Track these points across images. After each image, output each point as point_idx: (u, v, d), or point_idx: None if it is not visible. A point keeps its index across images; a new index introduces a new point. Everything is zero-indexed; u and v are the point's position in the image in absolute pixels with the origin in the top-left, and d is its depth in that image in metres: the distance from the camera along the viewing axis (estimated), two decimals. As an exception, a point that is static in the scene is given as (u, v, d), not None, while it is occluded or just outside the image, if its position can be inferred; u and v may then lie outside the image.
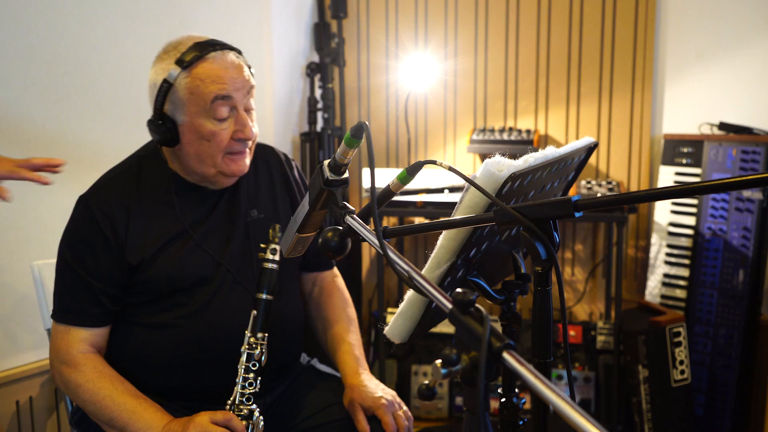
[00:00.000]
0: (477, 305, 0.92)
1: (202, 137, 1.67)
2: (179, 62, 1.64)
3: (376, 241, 1.10)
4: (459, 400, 3.23)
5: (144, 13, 2.69)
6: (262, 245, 1.70)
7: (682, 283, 3.05)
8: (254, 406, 1.66)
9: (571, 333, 3.12)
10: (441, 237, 1.44)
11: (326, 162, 1.22)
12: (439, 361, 0.89)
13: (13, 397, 2.38)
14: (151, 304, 1.73)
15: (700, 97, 3.13)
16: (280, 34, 3.26)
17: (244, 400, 1.65)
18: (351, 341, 1.89)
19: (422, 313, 1.47)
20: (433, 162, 1.30)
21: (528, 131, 3.27)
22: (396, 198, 3.05)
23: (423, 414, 3.22)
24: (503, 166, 1.40)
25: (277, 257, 1.68)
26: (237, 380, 1.65)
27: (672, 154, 3.12)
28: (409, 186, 3.07)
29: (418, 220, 3.29)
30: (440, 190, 3.11)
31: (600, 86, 3.29)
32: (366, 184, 3.08)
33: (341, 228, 1.33)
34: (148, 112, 1.72)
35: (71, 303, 1.70)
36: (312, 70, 3.40)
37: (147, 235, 1.71)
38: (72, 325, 1.70)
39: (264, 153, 1.92)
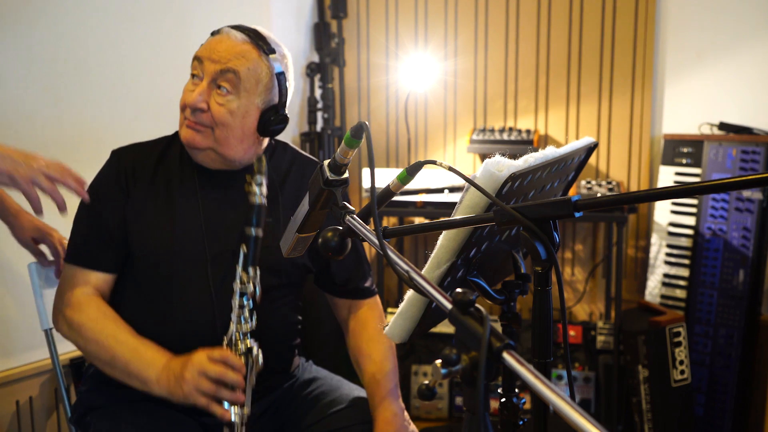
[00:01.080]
0: (477, 305, 0.92)
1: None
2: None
3: (376, 241, 1.10)
4: (459, 400, 3.23)
5: (143, 13, 2.69)
6: (248, 177, 1.68)
7: (682, 283, 3.05)
8: (253, 342, 1.65)
9: (571, 333, 3.12)
10: (441, 237, 1.44)
11: (326, 162, 1.22)
12: (439, 361, 0.89)
13: (13, 397, 2.38)
14: (141, 274, 1.76)
15: (700, 97, 3.13)
16: (280, 34, 3.24)
17: (240, 336, 1.65)
18: (385, 370, 1.84)
19: (422, 313, 1.47)
20: (433, 162, 1.30)
21: (528, 131, 3.27)
22: (396, 198, 3.05)
23: (423, 414, 3.21)
24: (503, 166, 1.40)
25: (264, 190, 1.67)
26: (231, 317, 1.65)
27: (672, 154, 3.12)
28: (409, 186, 3.06)
29: (418, 220, 3.29)
30: (440, 190, 3.11)
31: (600, 86, 3.29)
32: (366, 184, 3.09)
33: (341, 228, 1.33)
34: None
35: (82, 245, 1.75)
36: (312, 70, 3.40)
37: (147, 196, 1.75)
38: (80, 266, 1.73)
39: (306, 162, 1.90)
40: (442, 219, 1.27)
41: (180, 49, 2.88)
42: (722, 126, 3.05)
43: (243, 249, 1.67)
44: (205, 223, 1.75)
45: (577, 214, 1.17)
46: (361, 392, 1.85)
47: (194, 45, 1.77)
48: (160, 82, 2.71)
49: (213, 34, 1.75)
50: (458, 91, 3.45)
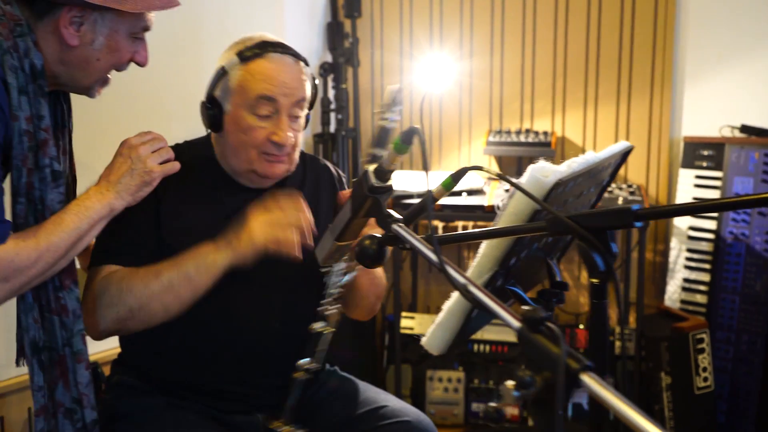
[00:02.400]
0: (548, 322, 0.87)
1: (240, 129, 1.66)
2: (239, 54, 1.66)
3: (429, 252, 1.05)
4: (475, 406, 3.18)
5: (155, 13, 2.63)
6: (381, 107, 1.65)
7: (702, 288, 3.00)
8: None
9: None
10: (483, 245, 1.39)
11: (371, 168, 1.17)
12: (510, 383, 0.84)
13: (25, 404, 2.32)
14: None
15: (720, 99, 3.08)
16: (293, 33, 3.20)
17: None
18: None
19: (462, 324, 1.42)
20: (479, 168, 1.25)
21: (545, 133, 3.22)
22: (410, 201, 3.00)
23: (439, 420, 3.16)
24: (548, 171, 1.35)
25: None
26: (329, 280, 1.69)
27: (692, 157, 3.07)
28: (406, 189, 3.01)
29: (435, 224, 3.23)
30: (458, 194, 3.05)
31: (618, 87, 3.24)
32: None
33: (379, 236, 1.28)
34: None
35: (109, 244, 1.64)
36: (325, 70, 3.34)
37: (181, 212, 1.70)
38: (104, 264, 1.64)
39: (316, 165, 1.91)
40: (493, 227, 1.22)
41: (193, 48, 2.83)
42: (744, 128, 3.00)
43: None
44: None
45: (637, 224, 1.12)
46: (400, 402, 1.82)
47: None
48: (173, 83, 2.65)
49: (247, 58, 1.66)
50: (474, 92, 3.39)
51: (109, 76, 1.55)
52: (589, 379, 0.80)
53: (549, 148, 3.16)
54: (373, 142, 1.59)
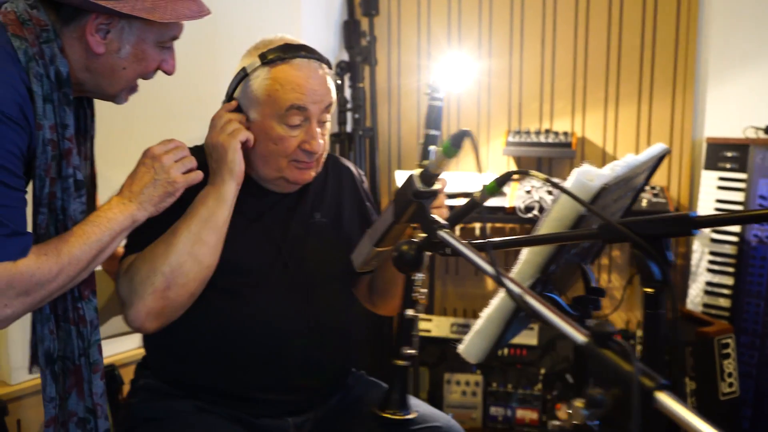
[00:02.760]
0: (617, 337, 0.83)
1: (270, 139, 1.63)
2: (262, 56, 1.63)
3: (481, 262, 1.00)
4: (493, 410, 3.14)
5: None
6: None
7: (725, 291, 2.95)
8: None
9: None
10: (525, 252, 1.35)
11: (417, 172, 1.13)
12: (579, 401, 0.80)
13: (41, 407, 2.23)
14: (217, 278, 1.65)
15: (744, 100, 3.02)
16: (310, 32, 3.16)
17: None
18: None
19: (501, 332, 1.38)
20: (525, 172, 1.21)
21: (566, 133, 3.18)
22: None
23: (456, 424, 3.12)
24: (593, 175, 1.32)
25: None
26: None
27: (715, 159, 3.02)
28: (446, 190, 2.96)
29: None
30: (469, 195, 3.01)
31: (640, 87, 3.19)
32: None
33: (417, 240, 1.24)
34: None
35: (139, 237, 1.59)
36: (342, 69, 3.30)
37: None
38: (129, 255, 1.61)
39: (337, 164, 1.89)
40: (539, 233, 1.18)
41: (210, 47, 2.79)
42: (769, 130, 2.96)
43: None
44: (269, 227, 1.71)
45: (695, 232, 1.08)
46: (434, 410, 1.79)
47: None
48: (190, 82, 2.61)
49: (271, 62, 1.63)
50: (492, 92, 3.34)
51: (137, 83, 1.51)
52: (665, 398, 0.75)
53: (570, 149, 3.11)
54: (428, 123, 1.58)
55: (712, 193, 3.01)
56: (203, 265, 1.56)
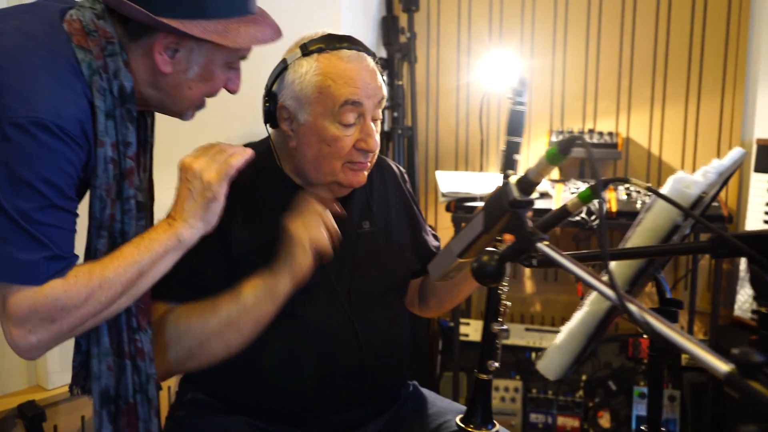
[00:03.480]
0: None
1: (323, 140, 1.53)
2: (303, 47, 1.55)
3: (593, 280, 0.92)
4: (533, 416, 3.06)
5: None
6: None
7: (776, 298, 2.86)
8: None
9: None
10: (613, 264, 1.28)
11: (514, 179, 1.06)
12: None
13: (78, 413, 2.25)
14: None
15: (797, 100, 2.94)
16: (348, 28, 3.08)
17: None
18: None
19: (583, 347, 1.31)
20: (626, 180, 1.14)
21: (611, 134, 3.09)
22: (473, 204, 2.87)
23: (496, 431, 3.05)
24: (688, 182, 1.25)
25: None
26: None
27: (766, 161, 2.92)
28: (470, 191, 2.88)
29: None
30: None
31: (687, 87, 3.10)
32: (444, 188, 2.90)
33: (498, 250, 1.17)
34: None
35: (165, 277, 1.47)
36: (380, 66, 3.22)
37: (250, 230, 1.58)
38: (157, 301, 1.50)
39: (381, 165, 1.78)
40: (660, 245, 1.11)
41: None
42: (823, 131, 2.86)
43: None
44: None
45: (819, 247, 1.00)
46: None
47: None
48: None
49: (313, 53, 1.54)
50: (534, 91, 3.26)
51: (204, 101, 1.44)
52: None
53: (615, 149, 3.03)
54: (510, 129, 1.49)
55: (762, 195, 2.92)
56: (230, 349, 1.49)
